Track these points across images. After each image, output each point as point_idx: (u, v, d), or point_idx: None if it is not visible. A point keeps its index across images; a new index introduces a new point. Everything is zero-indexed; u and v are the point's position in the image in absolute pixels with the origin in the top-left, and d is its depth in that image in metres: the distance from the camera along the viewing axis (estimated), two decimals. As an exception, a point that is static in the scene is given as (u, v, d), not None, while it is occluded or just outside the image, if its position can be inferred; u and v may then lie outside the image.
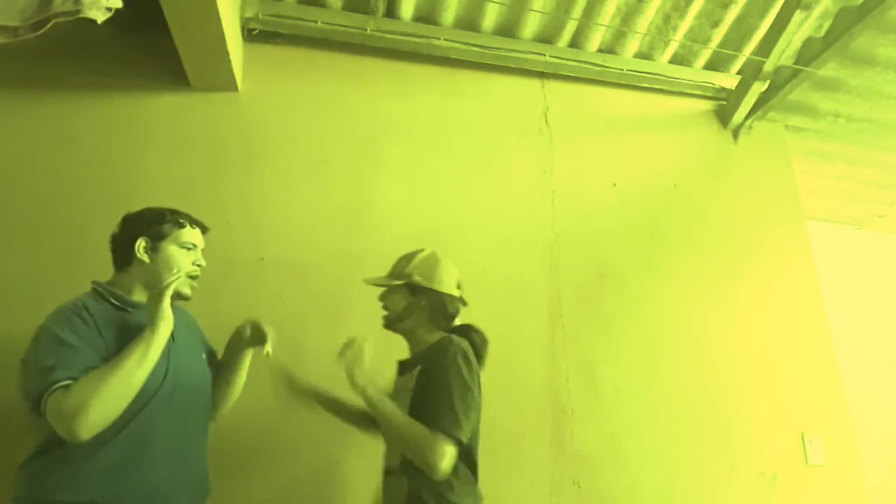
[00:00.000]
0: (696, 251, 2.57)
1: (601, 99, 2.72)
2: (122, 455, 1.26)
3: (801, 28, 2.46)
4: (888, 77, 2.59)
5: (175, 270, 1.40)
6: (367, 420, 1.72)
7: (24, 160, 2.06)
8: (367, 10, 2.43)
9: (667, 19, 2.57)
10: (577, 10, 2.47)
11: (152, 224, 1.46)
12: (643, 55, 2.74)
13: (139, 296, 1.43)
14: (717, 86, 2.82)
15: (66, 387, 1.20)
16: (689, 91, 2.81)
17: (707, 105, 2.86)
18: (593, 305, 2.37)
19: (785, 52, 2.48)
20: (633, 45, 2.67)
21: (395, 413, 1.43)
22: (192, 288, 1.48)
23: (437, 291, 1.60)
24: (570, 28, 2.57)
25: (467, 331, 1.60)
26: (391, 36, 2.45)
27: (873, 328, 3.59)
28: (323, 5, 2.42)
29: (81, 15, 1.46)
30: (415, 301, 1.60)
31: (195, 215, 1.54)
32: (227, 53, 2.06)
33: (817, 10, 2.45)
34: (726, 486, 2.24)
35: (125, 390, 1.24)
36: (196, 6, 1.83)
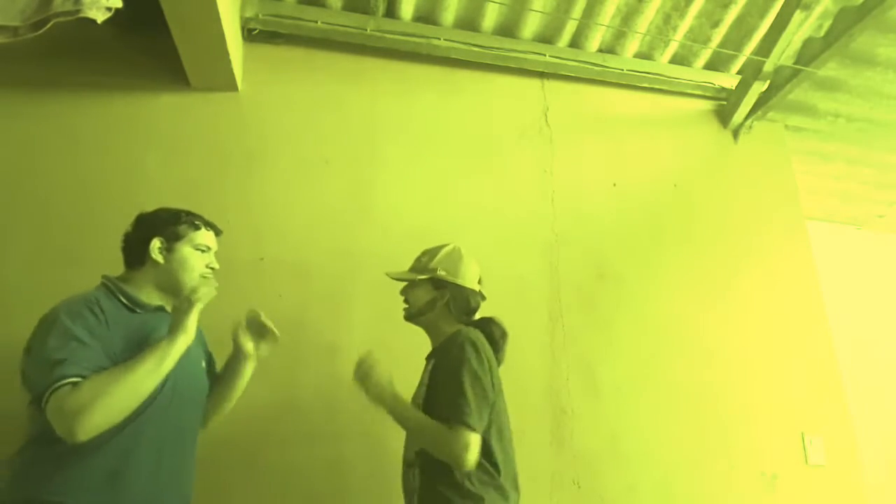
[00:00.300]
0: (695, 251, 2.57)
1: (601, 99, 2.72)
2: (114, 461, 1.24)
3: (801, 28, 2.46)
4: (888, 77, 2.59)
5: (201, 280, 1.38)
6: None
7: (24, 160, 2.06)
8: (367, 10, 2.43)
9: (667, 19, 2.57)
10: (577, 10, 2.47)
11: (168, 224, 1.46)
12: (643, 55, 2.74)
13: (149, 296, 1.43)
14: (717, 86, 2.82)
15: (74, 384, 1.18)
16: (689, 91, 2.81)
17: (707, 105, 2.86)
18: (593, 305, 2.37)
19: (785, 52, 2.48)
20: (633, 45, 2.67)
21: (414, 416, 1.44)
22: None
23: (460, 286, 1.62)
24: (570, 28, 2.57)
25: (487, 323, 1.63)
26: (391, 36, 2.45)
27: (873, 328, 3.59)
28: (323, 5, 2.42)
29: (81, 15, 1.47)
30: (438, 295, 1.62)
31: (195, 215, 1.54)
32: (227, 53, 2.06)
33: (817, 10, 2.45)
34: (726, 486, 2.24)
35: (132, 397, 1.22)
36: (196, 6, 1.83)
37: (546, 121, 2.61)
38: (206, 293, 1.35)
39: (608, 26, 2.53)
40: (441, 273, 1.62)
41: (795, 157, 2.91)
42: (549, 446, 2.13)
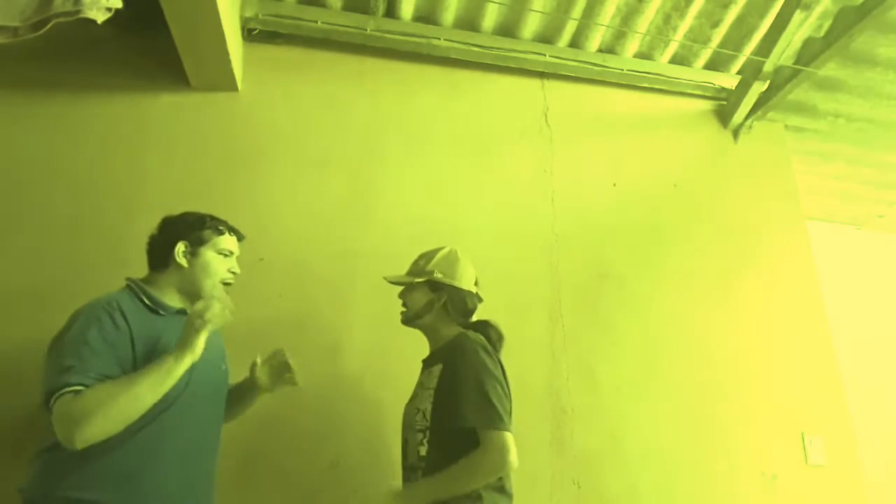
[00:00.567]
0: (696, 251, 2.56)
1: (601, 99, 2.72)
2: (137, 459, 1.27)
3: (801, 28, 2.46)
4: (888, 77, 2.60)
5: (217, 297, 1.36)
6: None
7: (25, 160, 2.06)
8: (367, 10, 2.43)
9: (667, 19, 2.57)
10: (577, 10, 2.47)
11: (193, 229, 1.48)
12: (643, 55, 2.74)
13: (172, 299, 1.45)
14: (717, 86, 2.82)
15: (77, 392, 1.20)
16: (689, 91, 2.81)
17: (707, 105, 2.86)
18: (593, 305, 2.37)
19: (785, 52, 2.48)
20: (633, 45, 2.67)
21: (441, 481, 1.38)
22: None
23: (457, 288, 1.63)
24: (570, 28, 2.57)
25: (485, 326, 1.63)
26: (391, 36, 2.45)
27: (873, 328, 3.59)
28: (323, 5, 2.42)
29: (81, 15, 1.47)
30: (436, 297, 1.63)
31: (195, 215, 1.54)
32: (227, 53, 2.06)
33: (817, 10, 2.45)
34: (726, 486, 2.24)
35: (132, 410, 1.23)
36: (196, 6, 1.83)
37: (546, 121, 2.61)
38: (219, 316, 1.33)
39: (608, 26, 2.53)
40: (438, 275, 1.63)
41: (795, 157, 2.91)
42: (549, 446, 2.12)
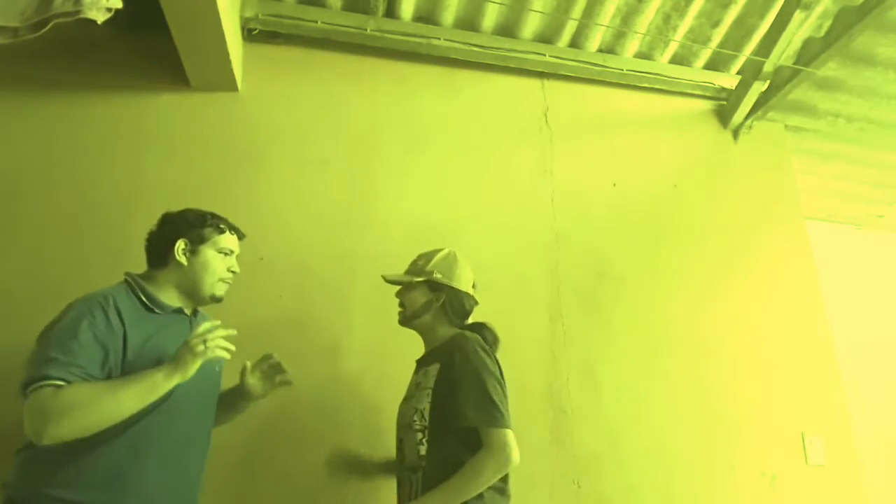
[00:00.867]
0: (696, 251, 2.56)
1: (601, 99, 2.72)
2: (121, 458, 1.25)
3: (801, 28, 2.46)
4: (888, 77, 2.60)
5: (213, 335, 1.29)
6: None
7: (25, 160, 2.06)
8: (367, 10, 2.43)
9: (667, 19, 2.56)
10: (577, 10, 2.47)
11: (194, 227, 1.47)
12: (643, 55, 2.74)
13: (169, 297, 1.43)
14: (717, 86, 2.82)
15: (57, 387, 1.18)
16: (689, 91, 2.80)
17: (707, 105, 2.86)
18: (593, 305, 2.37)
19: (785, 52, 2.48)
20: (633, 45, 2.67)
21: (455, 489, 1.37)
22: (224, 292, 1.50)
23: (455, 289, 1.64)
24: (570, 28, 2.57)
25: (480, 328, 1.64)
26: (391, 36, 2.45)
27: (873, 328, 3.59)
28: (323, 5, 2.42)
29: (81, 15, 1.46)
30: (434, 298, 1.63)
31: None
32: (227, 53, 2.06)
33: (817, 10, 2.45)
34: (726, 486, 2.24)
35: (108, 418, 1.21)
36: (196, 6, 1.83)
37: (546, 121, 2.61)
38: (217, 349, 1.28)
39: (608, 26, 2.53)
40: (437, 276, 1.63)
41: (795, 157, 2.91)
42: (549, 446, 2.12)
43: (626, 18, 2.53)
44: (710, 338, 2.43)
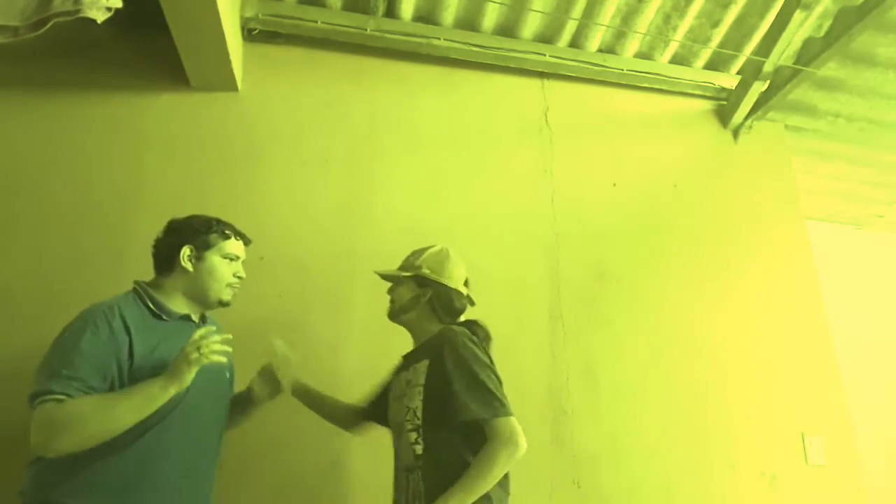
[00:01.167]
0: (695, 251, 2.56)
1: (601, 99, 2.72)
2: (134, 467, 1.26)
3: (801, 28, 2.46)
4: (888, 77, 2.60)
5: (206, 343, 1.29)
6: (353, 418, 1.75)
7: (25, 160, 2.06)
8: (367, 10, 2.43)
9: (667, 19, 2.57)
10: (577, 10, 2.47)
11: (199, 233, 1.47)
12: (643, 55, 2.74)
13: (176, 304, 1.44)
14: (717, 86, 2.82)
15: (59, 402, 1.20)
16: (689, 91, 2.80)
17: (707, 105, 2.85)
18: (593, 305, 2.37)
19: (785, 52, 2.48)
20: (633, 45, 2.67)
21: (470, 487, 1.34)
22: (232, 296, 1.51)
23: (443, 285, 1.62)
24: (570, 28, 2.57)
25: (471, 324, 1.62)
26: (391, 36, 2.45)
27: (873, 328, 3.59)
28: (323, 5, 2.42)
29: (81, 15, 1.46)
30: (421, 293, 1.62)
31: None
32: (227, 53, 2.06)
33: (817, 10, 2.44)
34: (726, 486, 2.24)
35: (108, 430, 1.22)
36: (196, 6, 1.83)
37: (546, 121, 2.61)
38: (213, 354, 1.29)
39: (608, 26, 2.53)
40: (425, 271, 1.62)
41: (795, 157, 2.91)
42: (549, 446, 2.12)
43: (626, 18, 2.54)
44: (709, 338, 2.43)
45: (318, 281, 2.13)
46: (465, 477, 1.35)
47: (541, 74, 2.67)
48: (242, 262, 1.55)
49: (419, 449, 1.45)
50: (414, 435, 1.47)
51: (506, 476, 1.43)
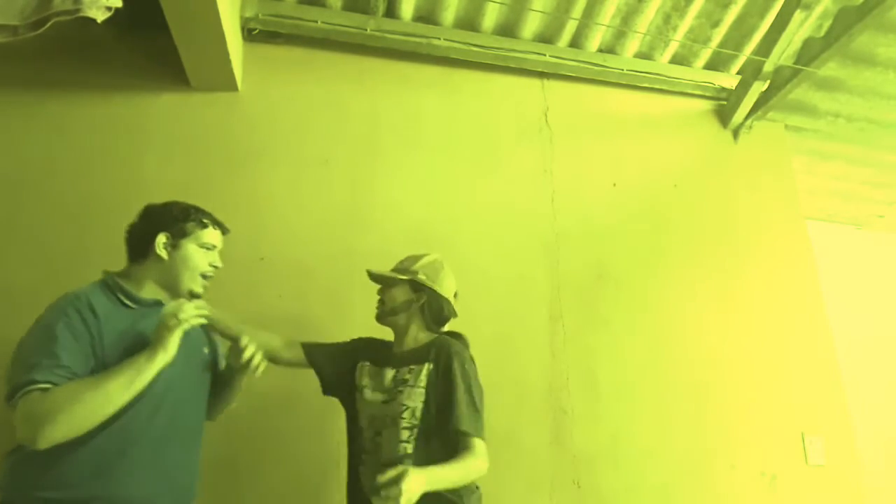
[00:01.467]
0: (695, 251, 2.57)
1: (601, 99, 2.72)
2: (104, 456, 1.24)
3: (801, 28, 2.46)
4: (888, 77, 2.60)
5: (191, 304, 1.30)
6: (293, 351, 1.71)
7: (25, 160, 2.06)
8: (367, 10, 2.43)
9: (667, 19, 2.57)
10: (577, 10, 2.47)
11: (176, 220, 1.44)
12: (643, 55, 2.74)
13: (149, 292, 1.41)
14: (717, 86, 2.82)
15: (44, 391, 1.17)
16: (689, 91, 2.80)
17: (707, 105, 2.86)
18: (593, 305, 2.37)
19: (785, 52, 2.48)
20: (633, 45, 2.67)
21: (452, 474, 1.40)
22: (205, 287, 1.47)
23: (437, 293, 1.65)
24: (570, 28, 2.57)
25: (458, 337, 1.66)
26: (391, 36, 2.45)
27: (873, 328, 3.59)
28: (323, 5, 2.42)
29: (81, 14, 1.46)
30: (415, 298, 1.64)
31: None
32: (227, 53, 2.06)
33: (817, 10, 2.45)
34: (726, 486, 2.24)
35: (100, 411, 1.20)
36: (196, 6, 1.83)
37: (546, 121, 2.61)
38: (192, 317, 1.29)
39: (608, 26, 2.53)
40: (421, 277, 1.65)
41: (795, 157, 2.91)
42: (549, 446, 2.12)
43: (627, 18, 2.54)
44: (710, 338, 2.43)
45: (318, 281, 2.13)
46: (447, 466, 1.38)
47: (541, 74, 2.67)
48: (219, 251, 1.51)
49: (409, 447, 1.46)
50: (406, 433, 1.48)
51: (479, 496, 1.49)
